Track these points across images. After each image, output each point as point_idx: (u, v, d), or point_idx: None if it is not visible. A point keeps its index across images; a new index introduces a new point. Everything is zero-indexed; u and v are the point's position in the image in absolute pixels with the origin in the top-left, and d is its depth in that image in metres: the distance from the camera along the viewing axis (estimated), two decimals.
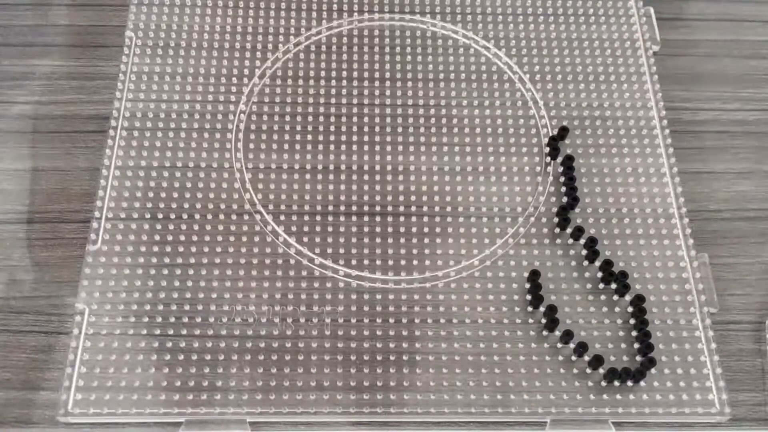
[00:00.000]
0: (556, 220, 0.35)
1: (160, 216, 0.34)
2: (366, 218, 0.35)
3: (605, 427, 0.31)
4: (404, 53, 0.39)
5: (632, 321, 0.33)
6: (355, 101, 0.38)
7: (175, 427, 0.30)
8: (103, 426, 0.30)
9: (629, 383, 0.31)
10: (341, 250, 0.34)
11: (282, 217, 0.34)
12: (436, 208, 0.35)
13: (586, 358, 0.31)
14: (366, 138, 0.37)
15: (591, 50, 0.39)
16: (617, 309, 0.33)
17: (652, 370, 0.31)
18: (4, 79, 0.38)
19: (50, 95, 0.37)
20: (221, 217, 0.34)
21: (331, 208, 0.35)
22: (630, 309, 0.33)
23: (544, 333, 0.32)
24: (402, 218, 0.35)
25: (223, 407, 0.30)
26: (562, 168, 0.36)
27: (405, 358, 0.31)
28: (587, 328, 0.32)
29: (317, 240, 0.34)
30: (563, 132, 0.37)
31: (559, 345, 0.32)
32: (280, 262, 0.33)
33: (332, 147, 0.36)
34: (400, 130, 0.37)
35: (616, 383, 0.31)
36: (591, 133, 0.37)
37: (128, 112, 0.36)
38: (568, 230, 0.34)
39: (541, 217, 0.35)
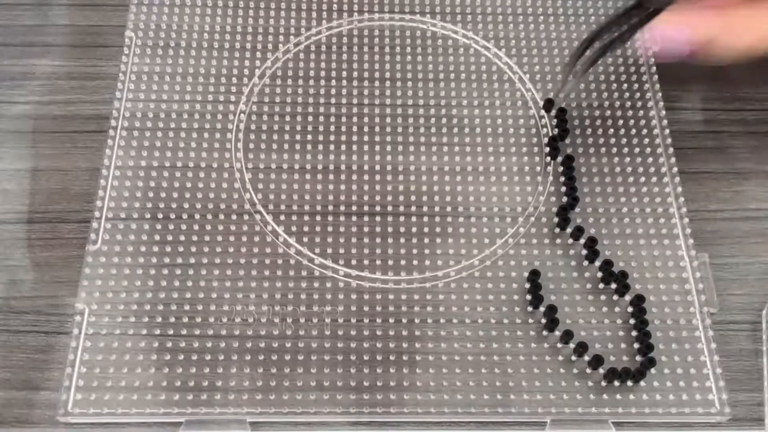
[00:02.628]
0: (556, 220, 0.35)
1: (160, 216, 0.34)
2: (366, 218, 0.35)
3: (605, 427, 0.31)
4: (404, 53, 0.39)
5: (632, 321, 0.33)
6: (355, 101, 0.38)
7: (175, 427, 0.30)
8: (103, 426, 0.30)
9: (629, 383, 0.31)
10: (341, 250, 0.34)
11: (282, 217, 0.34)
12: (436, 208, 0.35)
13: (586, 358, 0.31)
14: (366, 138, 0.37)
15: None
16: (617, 309, 0.33)
17: (652, 370, 0.31)
18: (4, 79, 0.38)
19: (50, 95, 0.37)
20: (221, 217, 0.34)
21: (331, 208, 0.35)
22: (630, 309, 0.33)
23: (544, 333, 0.32)
24: (402, 218, 0.35)
25: (223, 407, 0.30)
26: (562, 168, 0.36)
27: (405, 358, 0.31)
28: (587, 328, 0.32)
29: (317, 240, 0.34)
30: (563, 133, 0.37)
31: (559, 345, 0.32)
32: (280, 262, 0.33)
33: (332, 147, 0.36)
34: (400, 130, 0.37)
35: (616, 383, 0.31)
36: (591, 133, 0.37)
37: (128, 112, 0.36)
38: (568, 230, 0.34)
39: (541, 217, 0.35)
